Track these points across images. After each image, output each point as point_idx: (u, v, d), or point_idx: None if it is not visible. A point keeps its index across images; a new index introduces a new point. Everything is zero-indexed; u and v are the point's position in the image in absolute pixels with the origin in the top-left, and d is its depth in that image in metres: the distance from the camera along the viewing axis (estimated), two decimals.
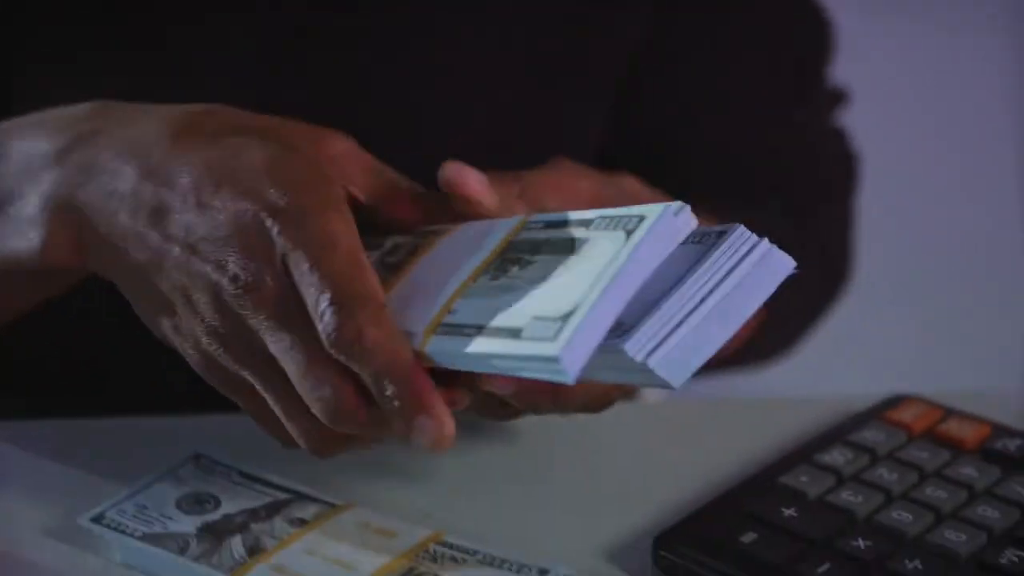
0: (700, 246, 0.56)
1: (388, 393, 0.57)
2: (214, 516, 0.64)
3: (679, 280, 0.55)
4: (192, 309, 0.61)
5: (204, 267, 0.60)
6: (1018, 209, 2.02)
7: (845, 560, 0.62)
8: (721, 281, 0.55)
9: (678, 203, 0.56)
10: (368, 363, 0.57)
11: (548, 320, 0.54)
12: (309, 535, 0.63)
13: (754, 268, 0.55)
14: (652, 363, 0.54)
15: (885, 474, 0.68)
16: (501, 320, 0.55)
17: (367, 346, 0.57)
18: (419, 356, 0.57)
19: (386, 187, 0.65)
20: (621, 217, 0.56)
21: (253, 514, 0.64)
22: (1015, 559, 0.62)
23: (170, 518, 0.64)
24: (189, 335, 0.62)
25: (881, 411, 0.73)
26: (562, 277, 0.56)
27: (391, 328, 0.58)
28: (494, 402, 0.60)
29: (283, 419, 0.61)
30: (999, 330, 1.92)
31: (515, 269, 0.58)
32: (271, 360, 0.60)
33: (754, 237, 0.55)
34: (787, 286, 0.81)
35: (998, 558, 0.62)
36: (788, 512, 0.65)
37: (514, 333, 0.55)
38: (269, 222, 0.60)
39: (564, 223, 0.59)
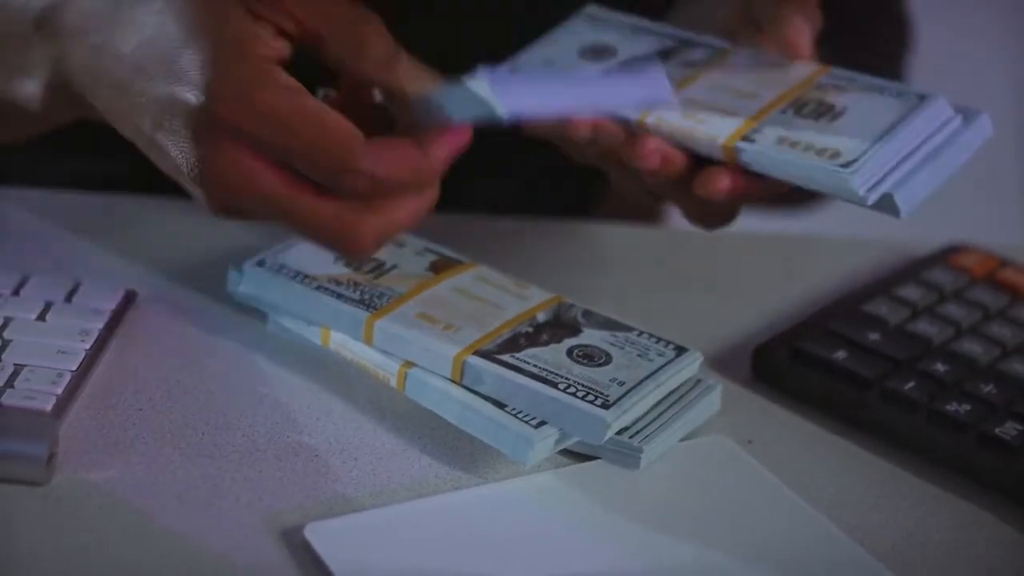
0: (900, 101, 0.69)
1: None
2: None
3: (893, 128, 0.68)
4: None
5: None
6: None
7: (928, 380, 0.71)
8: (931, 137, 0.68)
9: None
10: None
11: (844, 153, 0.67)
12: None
13: (956, 134, 0.68)
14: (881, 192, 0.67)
15: (954, 310, 0.76)
16: (817, 139, 0.68)
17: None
18: (725, 151, 0.68)
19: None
20: (905, 91, 0.70)
21: None
22: None
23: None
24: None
25: (945, 255, 0.81)
26: (855, 125, 0.68)
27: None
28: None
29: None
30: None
31: (807, 109, 0.69)
32: None
33: (950, 111, 0.69)
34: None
35: None
36: (873, 336, 0.73)
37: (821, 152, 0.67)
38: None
39: (854, 81, 0.71)
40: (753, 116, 0.69)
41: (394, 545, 0.60)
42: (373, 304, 0.68)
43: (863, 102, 0.69)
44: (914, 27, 0.99)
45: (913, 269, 0.80)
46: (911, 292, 0.77)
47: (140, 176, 0.86)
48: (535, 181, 0.95)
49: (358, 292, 0.69)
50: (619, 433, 0.66)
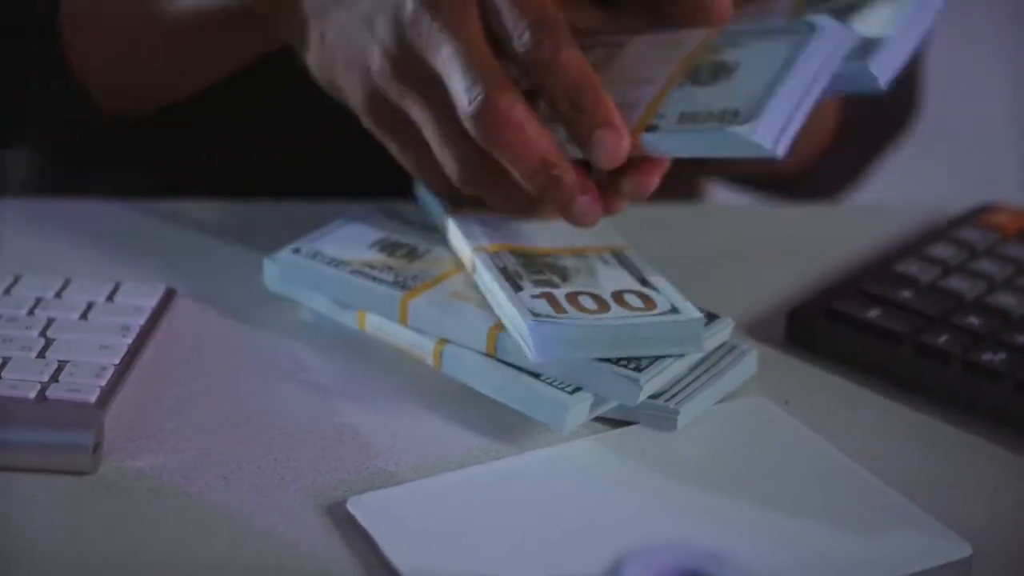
0: (790, 36, 0.66)
1: (578, 104, 0.65)
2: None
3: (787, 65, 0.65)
4: (371, 34, 0.69)
5: None
6: None
7: (962, 333, 0.71)
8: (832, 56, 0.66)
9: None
10: (562, 77, 0.65)
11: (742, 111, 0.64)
12: None
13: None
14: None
15: (986, 266, 0.76)
16: (714, 104, 0.64)
17: (561, 60, 0.65)
18: (634, 147, 0.66)
19: None
20: (794, 26, 0.66)
21: None
22: None
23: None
24: (359, 66, 0.70)
25: (976, 215, 0.81)
26: (749, 78, 0.65)
27: (579, 49, 0.66)
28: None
29: (440, 147, 0.68)
30: None
31: (704, 75, 0.67)
32: (437, 80, 0.67)
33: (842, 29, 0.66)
34: (864, 114, 0.89)
35: None
36: (905, 294, 0.74)
37: (721, 117, 0.64)
38: None
39: (742, 32, 0.68)
40: (651, 102, 0.67)
41: (436, 515, 0.61)
42: (407, 285, 0.69)
43: (756, 51, 0.66)
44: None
45: (944, 229, 0.80)
46: (943, 251, 0.78)
47: (175, 186, 0.88)
48: None
49: (392, 275, 0.70)
50: (654, 398, 0.66)
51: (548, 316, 0.65)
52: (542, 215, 0.72)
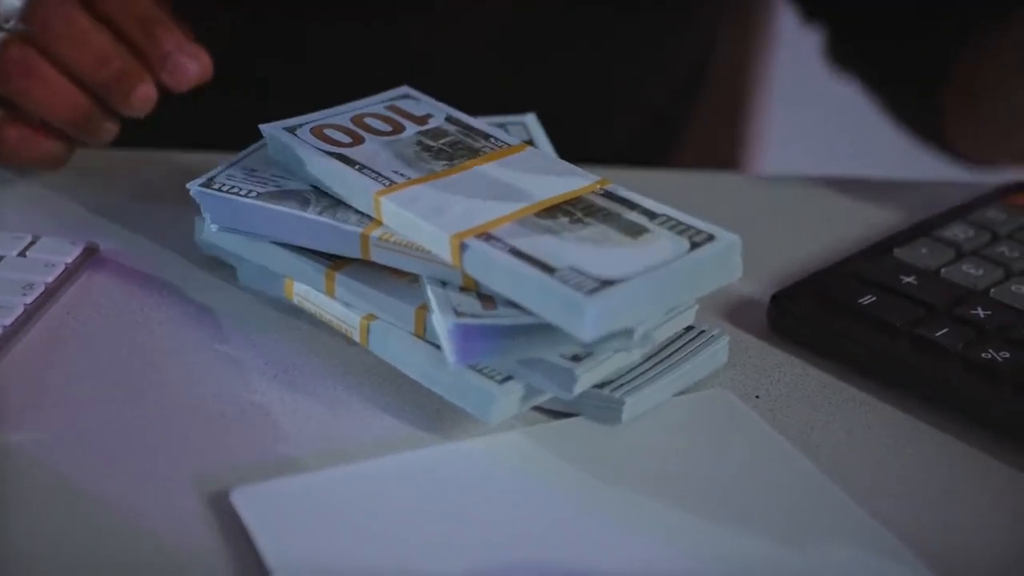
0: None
1: (149, 31, 0.70)
2: None
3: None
4: None
5: None
6: None
7: (964, 326, 0.62)
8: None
9: (737, 240, 0.58)
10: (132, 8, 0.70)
11: (586, 276, 0.55)
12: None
13: None
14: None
15: (1006, 251, 0.67)
16: (542, 254, 0.56)
17: None
18: (454, 250, 0.58)
19: None
20: (689, 226, 0.58)
21: None
22: None
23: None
24: None
25: (1002, 193, 0.73)
26: (612, 251, 0.57)
27: None
28: None
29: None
30: None
31: (565, 221, 0.59)
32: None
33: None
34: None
35: None
36: (907, 280, 0.66)
37: (548, 270, 0.56)
38: None
39: (634, 205, 0.60)
40: (499, 218, 0.59)
41: (324, 511, 0.53)
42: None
43: (608, 237, 0.58)
44: None
45: (962, 209, 0.71)
46: (957, 233, 0.69)
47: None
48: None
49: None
50: (601, 387, 0.59)
51: (473, 315, 0.57)
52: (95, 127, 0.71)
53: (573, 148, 0.79)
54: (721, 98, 1.10)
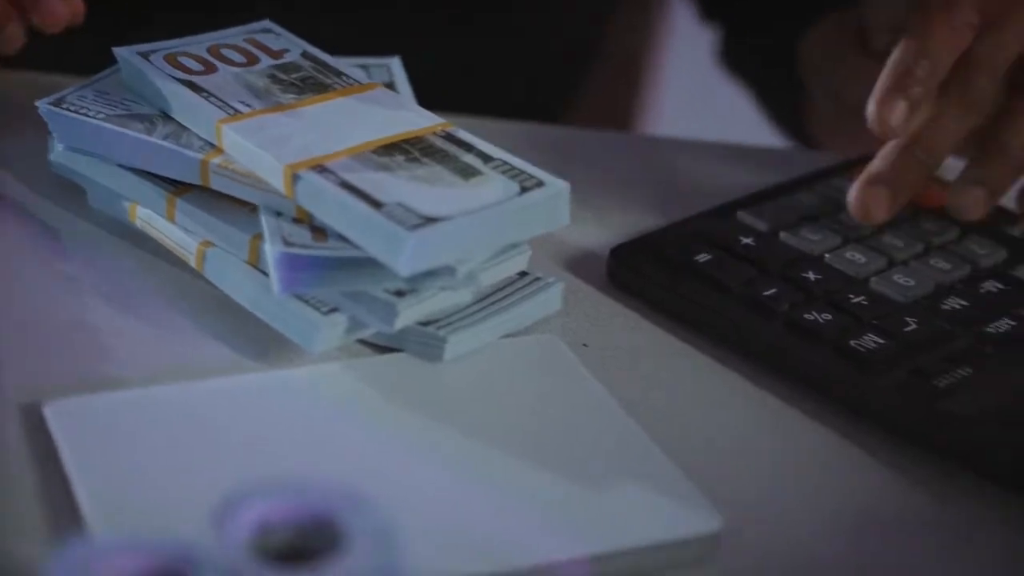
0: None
1: None
2: None
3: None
4: None
5: None
6: None
7: (793, 288, 0.64)
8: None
9: (566, 187, 0.59)
10: None
11: (411, 212, 0.56)
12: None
13: None
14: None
15: (846, 219, 0.69)
16: (371, 189, 0.57)
17: None
18: (286, 181, 0.59)
19: None
20: (522, 172, 0.59)
21: None
22: (957, 307, 0.64)
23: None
24: None
25: (851, 166, 0.74)
26: (442, 190, 0.58)
27: None
28: None
29: None
30: None
31: (402, 159, 0.60)
32: None
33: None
34: None
35: (940, 304, 0.64)
36: (745, 241, 0.67)
37: (376, 204, 0.57)
38: None
39: (471, 148, 0.61)
40: (336, 152, 0.59)
41: (135, 429, 0.54)
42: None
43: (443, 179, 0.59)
44: None
45: (810, 178, 0.73)
46: (802, 199, 0.70)
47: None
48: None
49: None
50: (426, 325, 0.60)
51: (302, 245, 0.58)
52: None
53: (465, 107, 0.80)
54: (618, 65, 1.11)
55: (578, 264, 0.68)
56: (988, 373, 0.60)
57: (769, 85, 0.93)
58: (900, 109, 0.66)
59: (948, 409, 0.58)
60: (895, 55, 0.67)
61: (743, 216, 0.69)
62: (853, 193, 0.67)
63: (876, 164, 0.67)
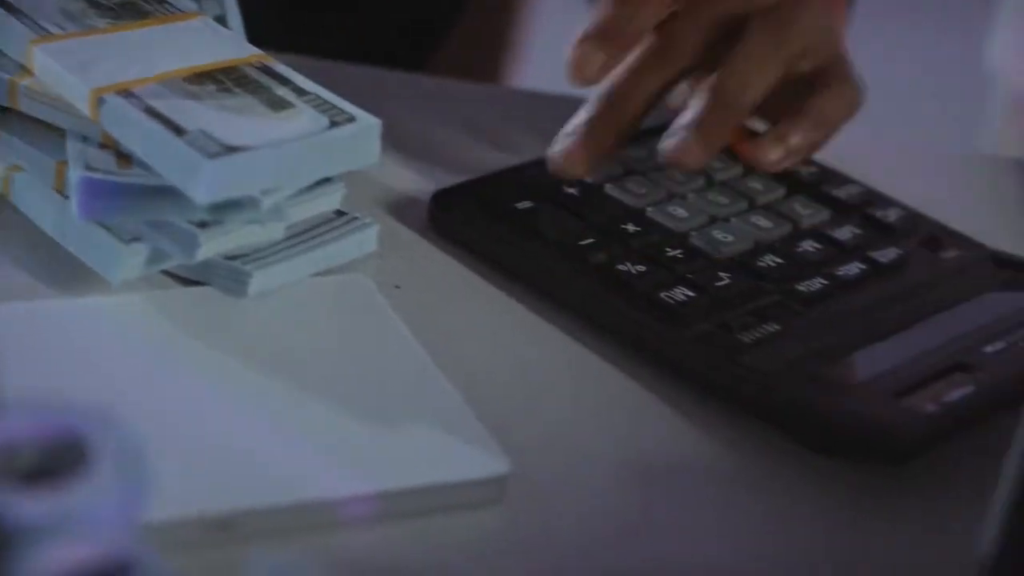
0: None
1: None
2: None
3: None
4: None
5: None
6: None
7: (611, 239, 0.64)
8: None
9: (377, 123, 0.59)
10: None
11: (213, 141, 0.55)
12: None
13: None
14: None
15: (676, 174, 0.69)
16: (176, 116, 0.56)
17: None
18: (92, 105, 0.58)
19: None
20: (335, 107, 0.59)
21: None
22: (772, 264, 0.64)
23: None
24: None
25: None
26: (249, 121, 0.57)
27: None
28: None
29: None
30: None
31: (213, 88, 0.59)
32: None
33: None
34: None
35: (755, 261, 0.64)
36: (569, 191, 0.66)
37: (178, 131, 0.56)
38: None
39: (287, 81, 0.60)
40: (145, 78, 0.59)
41: None
42: None
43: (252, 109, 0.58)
44: None
45: (648, 133, 0.72)
46: (633, 153, 0.70)
47: None
48: None
49: None
50: (234, 259, 0.59)
51: (105, 171, 0.57)
52: None
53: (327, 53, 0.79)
54: (487, 17, 1.10)
55: (402, 208, 0.67)
56: (794, 331, 0.60)
57: None
58: (598, 61, 0.65)
59: (750, 364, 0.58)
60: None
61: None
62: (553, 147, 0.66)
63: (576, 118, 0.66)
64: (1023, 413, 0.46)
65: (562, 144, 0.66)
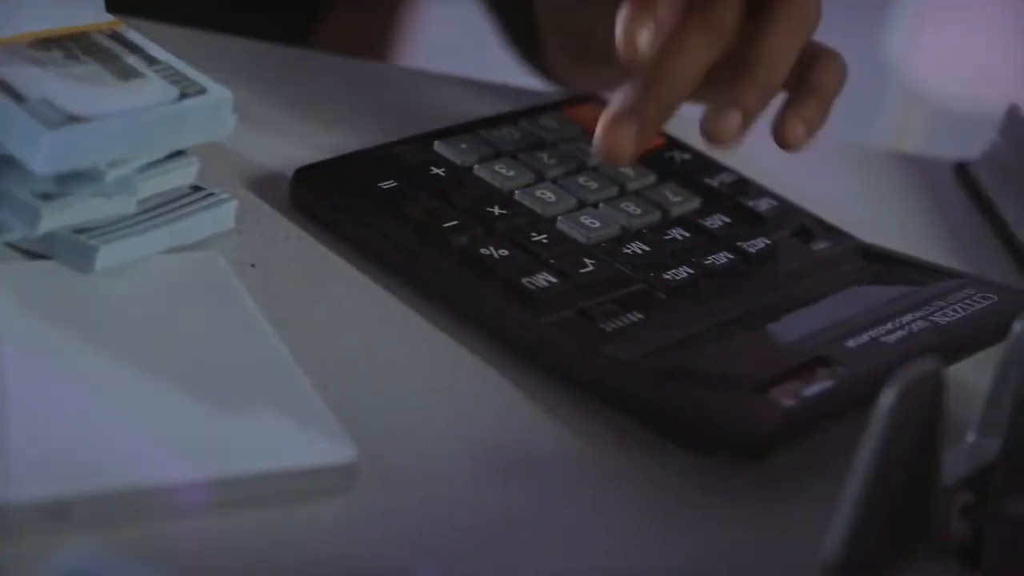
0: None
1: None
2: None
3: None
4: None
5: None
6: None
7: (475, 222, 0.62)
8: None
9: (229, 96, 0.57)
10: None
11: (55, 110, 0.54)
12: None
13: None
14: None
15: (545, 158, 0.67)
16: (18, 83, 0.54)
17: None
18: None
19: None
20: (186, 78, 0.57)
21: None
22: (638, 251, 0.63)
23: None
24: None
25: (563, 104, 0.72)
26: (95, 90, 0.55)
27: None
28: None
29: None
30: None
31: (59, 55, 0.57)
32: None
33: None
34: None
35: (621, 248, 0.63)
36: (436, 171, 0.65)
37: (19, 99, 0.54)
38: None
39: (138, 49, 0.58)
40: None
41: None
42: None
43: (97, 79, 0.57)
44: None
45: (519, 114, 0.71)
46: (504, 135, 0.68)
47: None
48: None
49: None
50: (81, 232, 0.57)
51: None
52: None
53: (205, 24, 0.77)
54: None
55: (263, 184, 0.65)
56: (657, 320, 0.59)
57: (506, 19, 0.90)
58: (648, 32, 0.63)
59: (610, 353, 0.57)
60: None
61: (440, 147, 0.67)
62: (598, 134, 0.63)
63: (618, 102, 0.63)
64: (871, 417, 0.45)
65: (611, 130, 0.62)
